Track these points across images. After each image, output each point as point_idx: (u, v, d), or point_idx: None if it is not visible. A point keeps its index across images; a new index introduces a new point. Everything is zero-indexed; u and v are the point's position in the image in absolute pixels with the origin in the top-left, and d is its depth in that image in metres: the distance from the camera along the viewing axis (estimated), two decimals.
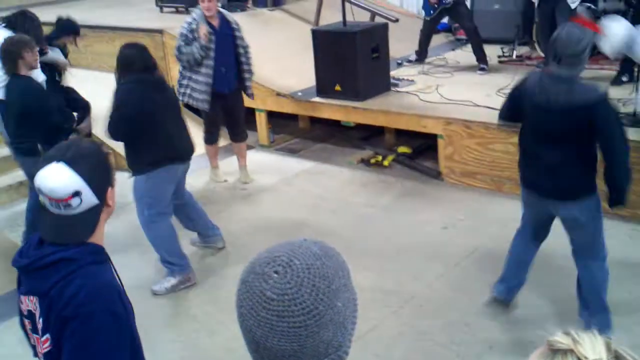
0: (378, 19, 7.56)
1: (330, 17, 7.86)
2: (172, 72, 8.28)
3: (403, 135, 7.04)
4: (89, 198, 1.88)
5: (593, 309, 3.73)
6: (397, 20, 7.46)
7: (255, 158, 6.87)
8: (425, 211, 5.59)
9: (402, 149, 6.83)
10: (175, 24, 8.54)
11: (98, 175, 1.92)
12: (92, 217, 1.91)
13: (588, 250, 3.72)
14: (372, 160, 6.70)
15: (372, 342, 3.90)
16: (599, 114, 3.36)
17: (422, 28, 8.15)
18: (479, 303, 4.27)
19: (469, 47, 7.91)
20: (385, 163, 6.62)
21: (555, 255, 4.39)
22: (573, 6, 6.65)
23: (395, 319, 4.21)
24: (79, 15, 8.94)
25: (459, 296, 4.40)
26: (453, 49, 8.72)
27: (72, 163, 1.86)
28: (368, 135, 7.40)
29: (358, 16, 7.31)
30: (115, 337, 1.86)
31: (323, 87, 6.99)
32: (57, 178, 1.84)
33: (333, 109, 6.94)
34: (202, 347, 4.10)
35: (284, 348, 1.12)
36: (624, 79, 6.37)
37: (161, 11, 9.79)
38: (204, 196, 5.97)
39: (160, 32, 8.35)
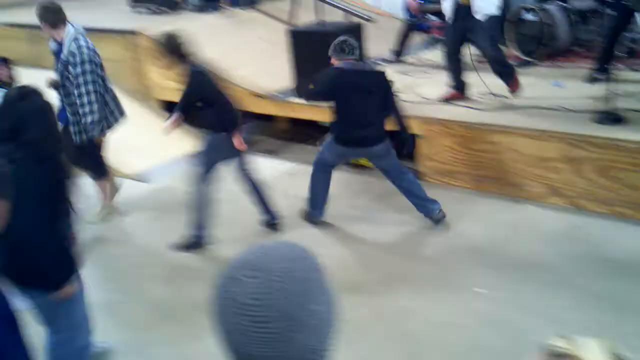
0: (353, 19, 7.55)
1: (304, 17, 7.85)
2: (149, 74, 8.20)
3: None
4: None
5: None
6: (370, 20, 7.46)
7: None
8: (406, 211, 5.59)
9: None
10: (149, 24, 8.47)
11: None
12: None
13: None
14: (353, 161, 6.69)
15: (359, 346, 3.89)
16: None
17: (401, 28, 8.17)
18: (464, 303, 4.29)
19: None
20: (366, 163, 6.61)
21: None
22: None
23: (380, 321, 4.21)
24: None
25: (442, 296, 4.42)
26: (429, 49, 8.75)
27: None
28: None
29: (331, 16, 7.29)
30: (10, 338, 1.89)
31: (300, 88, 6.97)
32: None
33: (312, 110, 6.92)
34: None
35: (260, 354, 1.09)
36: (598, 76, 6.44)
37: (133, 9, 9.66)
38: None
39: (133, 33, 8.24)
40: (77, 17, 9.05)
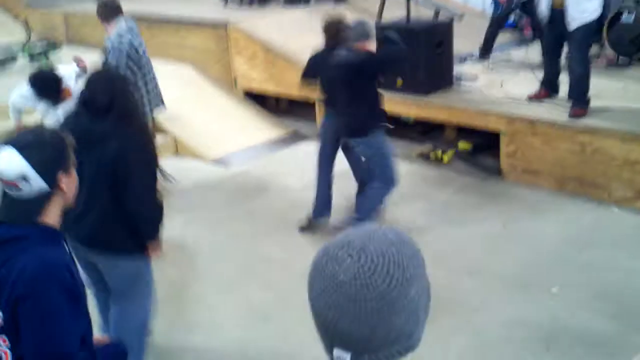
0: (443, 16, 7.47)
1: (394, 13, 7.81)
2: (234, 63, 8.39)
3: (463, 132, 6.94)
4: (38, 183, 2.00)
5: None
6: (462, 16, 7.36)
7: (313, 149, 6.87)
8: (485, 208, 5.50)
9: (462, 145, 6.73)
10: (239, 16, 8.67)
11: (49, 162, 2.02)
12: (40, 201, 2.02)
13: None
14: (432, 155, 6.62)
15: (427, 335, 3.84)
16: None
17: (489, 24, 8.01)
18: (537, 299, 4.18)
19: (534, 45, 7.72)
20: (445, 158, 6.53)
21: None
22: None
23: (450, 316, 4.15)
24: (144, 7, 9.18)
25: (515, 293, 4.31)
26: (518, 46, 8.54)
27: (22, 149, 1.98)
28: (428, 130, 7.32)
29: (422, 12, 7.23)
30: (70, 310, 1.97)
31: (384, 81, 6.94)
32: (5, 162, 1.97)
33: (394, 103, 6.88)
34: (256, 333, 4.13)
35: (354, 332, 1.10)
36: None
37: (225, 4, 9.89)
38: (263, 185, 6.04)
39: (224, 24, 8.45)
40: (170, 8, 9.48)
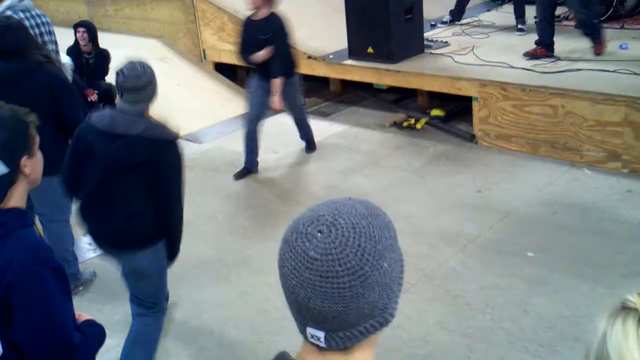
0: None
1: None
2: (203, 35, 8.25)
3: (436, 98, 6.93)
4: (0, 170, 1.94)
5: None
6: None
7: (286, 121, 6.82)
8: (459, 174, 5.50)
9: (435, 112, 6.72)
10: None
11: (8, 144, 1.96)
12: (1, 184, 1.96)
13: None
14: (405, 123, 6.60)
15: (404, 306, 3.85)
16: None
17: None
18: (513, 264, 4.21)
19: (504, 8, 7.71)
20: (418, 126, 6.52)
21: None
22: None
23: (428, 282, 4.17)
24: None
25: (493, 259, 4.34)
26: (488, 10, 8.51)
27: None
28: (400, 98, 7.30)
29: None
30: (61, 290, 1.97)
31: (355, 50, 6.89)
32: None
33: (365, 72, 6.84)
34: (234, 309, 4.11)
35: (327, 309, 1.06)
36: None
37: None
38: (235, 159, 5.98)
39: None
40: None
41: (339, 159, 6.03)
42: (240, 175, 5.82)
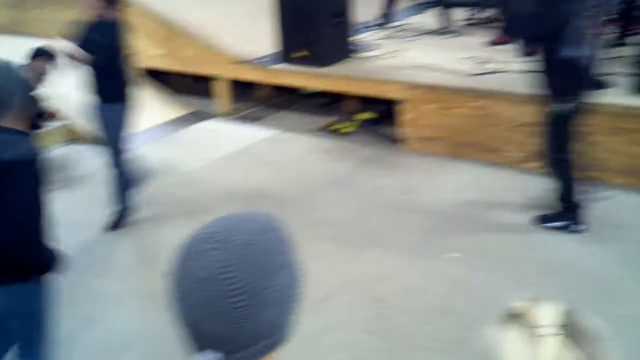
0: None
1: None
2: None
3: (366, 102, 6.97)
4: None
5: None
6: None
7: (215, 127, 6.77)
8: (385, 177, 5.55)
9: (364, 116, 6.76)
10: None
11: None
12: None
13: None
14: (333, 128, 6.63)
15: (328, 311, 3.86)
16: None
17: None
18: (437, 268, 4.26)
19: (434, 11, 7.82)
20: (347, 130, 6.55)
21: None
22: None
23: (353, 287, 4.18)
24: None
25: (415, 261, 4.38)
26: (418, 13, 8.62)
27: None
28: (330, 102, 7.32)
29: None
30: None
31: (284, 54, 6.87)
32: None
33: (294, 76, 6.83)
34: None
35: (223, 330, 1.03)
36: None
37: None
38: (163, 166, 5.88)
39: None
40: None
41: (267, 164, 6.00)
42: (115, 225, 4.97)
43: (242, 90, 7.68)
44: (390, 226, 4.83)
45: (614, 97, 5.07)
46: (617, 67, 5.47)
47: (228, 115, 7.32)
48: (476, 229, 4.68)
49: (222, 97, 7.43)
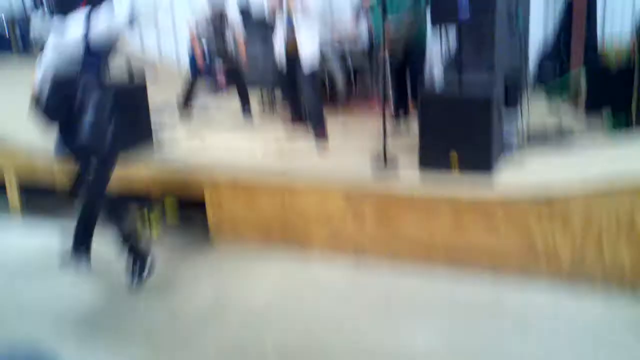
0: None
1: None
2: None
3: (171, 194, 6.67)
4: None
5: None
6: (157, 75, 7.14)
7: None
8: (195, 281, 5.31)
9: (170, 210, 6.45)
10: None
11: None
12: None
13: None
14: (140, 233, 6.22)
15: None
16: None
17: (187, 82, 8.03)
18: None
19: (230, 94, 7.85)
20: (154, 234, 6.24)
21: None
22: None
23: None
24: None
25: None
26: (216, 94, 8.62)
27: None
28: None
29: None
30: None
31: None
32: None
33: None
34: None
35: None
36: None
37: None
38: None
39: None
40: None
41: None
42: None
43: None
44: (204, 332, 4.55)
45: None
46: None
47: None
48: (290, 322, 4.53)
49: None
